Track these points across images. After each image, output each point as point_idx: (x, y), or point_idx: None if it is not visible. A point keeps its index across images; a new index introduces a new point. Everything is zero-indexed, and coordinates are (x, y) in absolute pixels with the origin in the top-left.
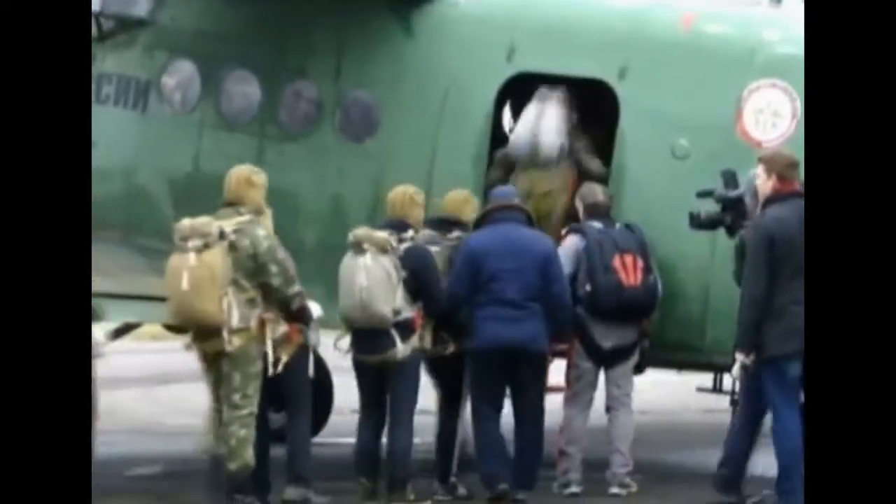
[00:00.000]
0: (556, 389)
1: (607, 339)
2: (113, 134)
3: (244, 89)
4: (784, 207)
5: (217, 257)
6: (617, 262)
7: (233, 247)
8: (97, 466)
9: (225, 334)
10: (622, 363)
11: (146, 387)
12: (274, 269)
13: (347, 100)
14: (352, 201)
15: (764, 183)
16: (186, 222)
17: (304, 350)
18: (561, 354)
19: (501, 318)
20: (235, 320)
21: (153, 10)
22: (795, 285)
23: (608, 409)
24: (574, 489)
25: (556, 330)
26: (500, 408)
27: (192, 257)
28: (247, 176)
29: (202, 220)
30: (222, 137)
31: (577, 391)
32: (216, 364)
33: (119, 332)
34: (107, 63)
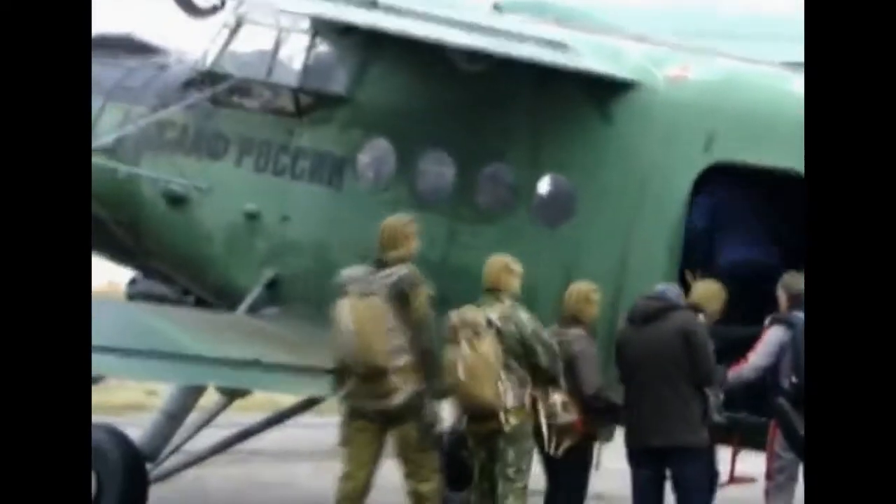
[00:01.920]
0: (743, 480)
1: None
2: (308, 209)
3: (439, 169)
4: None
5: (489, 345)
6: None
7: (499, 332)
8: None
9: (502, 415)
10: None
11: (318, 460)
12: (540, 349)
13: (543, 185)
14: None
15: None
16: (455, 314)
17: (588, 443)
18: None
19: None
20: (510, 401)
21: (351, 87)
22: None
23: None
24: None
25: None
26: None
27: (465, 347)
28: (505, 264)
29: (470, 311)
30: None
31: (779, 483)
32: (487, 443)
33: (304, 406)
34: (303, 138)
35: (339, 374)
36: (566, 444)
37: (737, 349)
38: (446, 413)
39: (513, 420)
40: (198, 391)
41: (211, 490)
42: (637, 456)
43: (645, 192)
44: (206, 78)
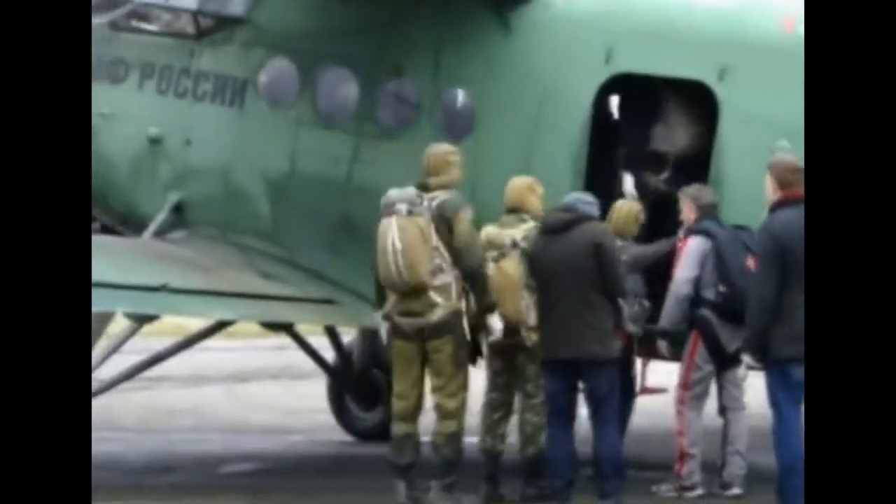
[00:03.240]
0: (655, 391)
1: (733, 341)
2: (210, 132)
3: (341, 87)
4: (792, 212)
5: (512, 265)
6: (750, 263)
7: (523, 252)
8: (193, 462)
9: (523, 332)
10: (740, 365)
11: (228, 384)
12: None
13: (445, 99)
14: None
15: (770, 188)
16: (483, 234)
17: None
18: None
19: None
20: (532, 320)
21: (250, 7)
22: (803, 290)
23: (723, 410)
24: (700, 491)
25: None
26: None
27: (491, 266)
28: (529, 184)
29: (495, 231)
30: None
31: (696, 394)
32: (505, 355)
33: (213, 330)
34: (204, 60)
35: (380, 291)
36: None
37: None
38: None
39: (534, 336)
40: (105, 317)
41: (121, 416)
42: (549, 367)
43: (546, 104)
44: (105, 3)
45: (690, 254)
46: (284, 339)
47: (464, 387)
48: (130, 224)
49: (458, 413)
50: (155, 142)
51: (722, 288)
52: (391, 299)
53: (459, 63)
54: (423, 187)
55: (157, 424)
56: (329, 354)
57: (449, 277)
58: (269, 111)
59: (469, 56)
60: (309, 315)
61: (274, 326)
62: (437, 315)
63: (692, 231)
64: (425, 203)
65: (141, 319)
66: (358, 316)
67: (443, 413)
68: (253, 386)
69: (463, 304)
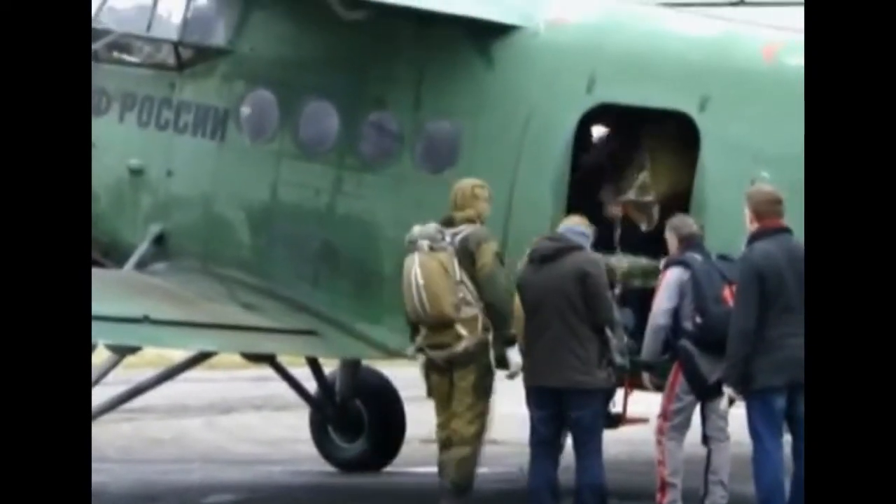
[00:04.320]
0: (636, 421)
1: (713, 372)
2: (191, 163)
3: (322, 119)
4: (771, 242)
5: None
6: (726, 292)
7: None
8: (175, 493)
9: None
10: (723, 395)
11: (209, 415)
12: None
13: (426, 131)
14: None
15: (749, 219)
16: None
17: None
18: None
19: None
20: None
21: (232, 38)
22: (784, 319)
23: (707, 439)
24: None
25: None
26: None
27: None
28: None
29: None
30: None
31: (677, 424)
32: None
33: (194, 361)
34: (185, 92)
35: (413, 326)
36: None
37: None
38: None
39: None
40: None
41: (104, 447)
42: (534, 396)
43: (528, 135)
44: None
45: (668, 285)
46: (266, 370)
47: (482, 415)
48: (112, 255)
49: (473, 440)
50: (136, 173)
51: (698, 319)
52: (422, 333)
53: (441, 94)
54: (449, 221)
55: (139, 455)
56: (311, 385)
57: (475, 310)
58: (250, 142)
59: (451, 87)
60: (290, 346)
61: (256, 358)
62: (462, 346)
63: (671, 262)
64: (447, 238)
65: (122, 351)
66: (340, 347)
67: (458, 438)
68: (235, 417)
69: (490, 336)
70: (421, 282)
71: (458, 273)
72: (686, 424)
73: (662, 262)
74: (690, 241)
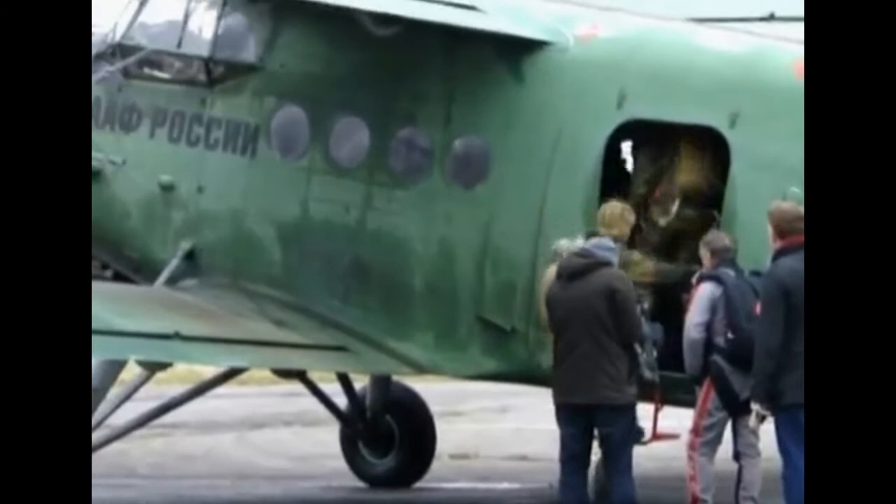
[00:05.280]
0: (666, 437)
1: (745, 388)
2: (221, 179)
3: (353, 135)
4: (795, 259)
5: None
6: (758, 309)
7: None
8: None
9: None
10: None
11: (240, 431)
12: None
13: (457, 146)
14: (460, 247)
15: (772, 237)
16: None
17: None
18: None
19: None
20: None
21: (262, 55)
22: None
23: (738, 455)
24: None
25: None
26: None
27: None
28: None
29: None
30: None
31: (708, 440)
32: None
33: (225, 377)
34: (216, 108)
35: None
36: None
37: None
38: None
39: None
40: (119, 365)
41: (135, 463)
42: (563, 413)
43: (558, 150)
44: (117, 50)
45: (700, 299)
46: (297, 386)
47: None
48: (143, 272)
49: None
50: (167, 189)
51: (730, 335)
52: None
53: (472, 110)
54: (593, 235)
55: (170, 471)
56: (341, 401)
57: None
58: (280, 159)
59: (481, 102)
60: (321, 362)
61: (286, 373)
62: None
63: (704, 277)
64: None
65: (153, 367)
66: (370, 363)
67: None
68: (266, 432)
69: None
70: None
71: None
72: (717, 440)
73: (695, 277)
74: (724, 257)
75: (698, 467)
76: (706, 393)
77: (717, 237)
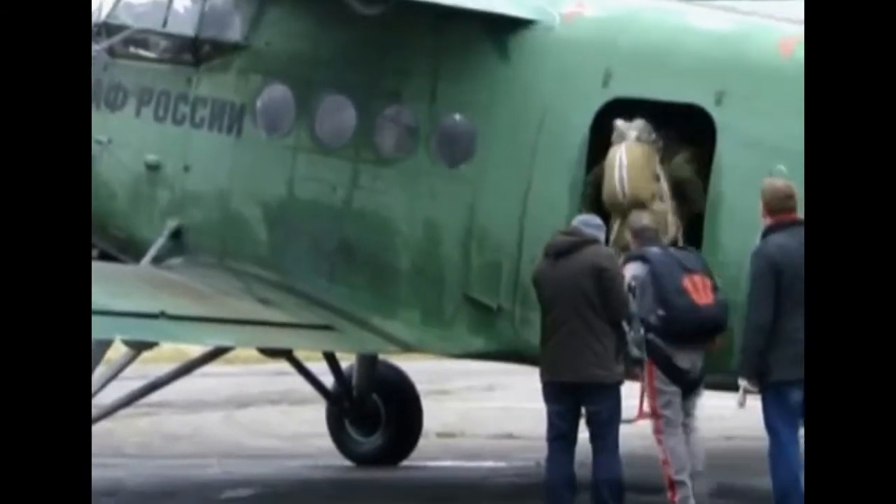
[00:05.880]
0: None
1: (684, 362)
2: (207, 158)
3: (340, 113)
4: (785, 236)
5: None
6: (687, 282)
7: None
8: (192, 488)
9: None
10: (698, 386)
11: (227, 410)
12: None
13: (442, 125)
14: (446, 226)
15: (763, 214)
16: None
17: None
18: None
19: None
20: None
21: (248, 34)
22: (800, 311)
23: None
24: None
25: None
26: None
27: None
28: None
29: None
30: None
31: (668, 418)
32: None
33: (211, 356)
34: (202, 87)
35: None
36: None
37: None
38: None
39: None
40: (104, 344)
41: (121, 443)
42: (550, 391)
43: (543, 129)
44: (102, 29)
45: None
46: (283, 365)
47: None
48: (129, 251)
49: None
50: (153, 168)
51: (661, 311)
52: (614, 229)
53: (457, 88)
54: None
55: (157, 450)
56: (328, 380)
57: (666, 206)
58: (266, 137)
59: (467, 81)
60: (307, 341)
61: (272, 352)
62: None
63: (630, 258)
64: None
65: (139, 346)
66: (356, 341)
67: None
68: (252, 412)
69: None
70: (625, 161)
71: (658, 168)
72: (677, 417)
73: (622, 258)
74: (645, 236)
75: (668, 450)
76: (650, 373)
77: (636, 218)
